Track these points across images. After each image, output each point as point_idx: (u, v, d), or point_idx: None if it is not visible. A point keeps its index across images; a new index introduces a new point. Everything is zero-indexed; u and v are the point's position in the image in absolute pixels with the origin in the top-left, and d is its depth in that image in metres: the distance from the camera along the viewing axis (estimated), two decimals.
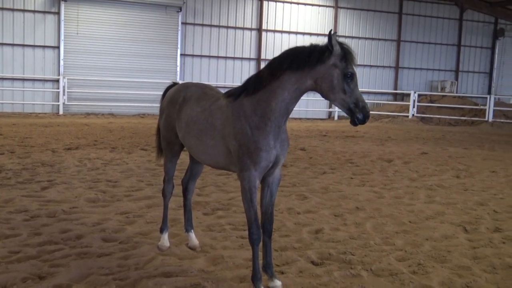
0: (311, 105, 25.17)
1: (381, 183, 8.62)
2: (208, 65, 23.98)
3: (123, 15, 22.01)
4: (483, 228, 6.05)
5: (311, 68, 3.71)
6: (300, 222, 6.02)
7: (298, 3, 25.48)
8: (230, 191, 7.50)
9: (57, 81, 21.16)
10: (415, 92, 24.38)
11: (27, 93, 21.03)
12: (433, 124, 23.88)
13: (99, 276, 4.18)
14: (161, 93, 5.23)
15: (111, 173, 8.56)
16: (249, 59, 24.77)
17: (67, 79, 21.03)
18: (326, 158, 11.27)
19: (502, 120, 23.26)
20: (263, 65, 22.72)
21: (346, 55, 3.67)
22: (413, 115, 24.22)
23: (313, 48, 3.74)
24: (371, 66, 27.34)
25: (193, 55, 23.66)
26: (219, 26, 24.12)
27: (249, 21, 24.68)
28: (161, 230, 5.04)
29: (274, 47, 24.66)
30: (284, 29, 25.30)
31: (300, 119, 24.44)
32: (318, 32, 25.42)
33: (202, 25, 23.78)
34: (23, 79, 21.07)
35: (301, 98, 3.93)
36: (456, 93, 27.85)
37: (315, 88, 3.79)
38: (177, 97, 4.66)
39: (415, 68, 28.65)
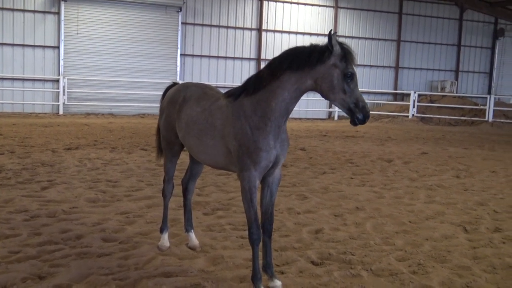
0: (311, 105, 25.17)
1: (381, 183, 8.62)
2: (208, 65, 23.99)
3: (123, 15, 22.01)
4: (483, 228, 6.05)
5: (311, 68, 3.71)
6: (300, 222, 6.02)
7: (298, 3, 25.48)
8: (230, 191, 7.50)
9: (57, 81, 21.16)
10: (415, 92, 24.38)
11: (27, 93, 21.04)
12: (433, 124, 23.88)
13: (99, 276, 4.18)
14: (161, 93, 5.23)
15: (111, 173, 8.56)
16: (249, 59, 24.77)
17: (67, 79, 21.04)
18: (326, 158, 11.27)
19: (502, 120, 23.26)
20: (263, 65, 22.72)
21: (346, 55, 3.67)
22: (413, 115, 24.23)
23: (313, 48, 3.74)
24: (371, 66, 27.35)
25: (193, 55, 23.66)
26: (219, 26, 24.12)
27: (249, 21, 24.68)
28: (161, 230, 5.04)
29: (274, 47, 24.67)
30: (284, 29, 25.30)
31: (300, 119, 24.44)
32: (318, 32, 25.43)
33: (202, 25, 23.78)
34: (23, 79, 21.07)
35: (301, 98, 3.94)
36: (456, 93, 27.85)
37: (315, 88, 3.79)
38: (177, 97, 4.66)
39: (415, 68, 28.66)
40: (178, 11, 22.88)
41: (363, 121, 3.70)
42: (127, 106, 22.09)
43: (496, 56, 30.55)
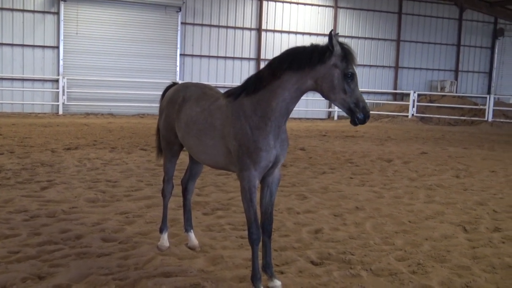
0: (311, 105, 25.17)
1: (381, 183, 8.62)
2: (207, 65, 23.98)
3: (123, 15, 22.01)
4: (482, 228, 6.05)
5: (311, 68, 3.71)
6: (299, 222, 6.02)
7: (297, 3, 25.48)
8: (230, 191, 7.50)
9: (57, 81, 21.16)
10: (414, 92, 24.39)
11: (26, 93, 21.03)
12: (432, 124, 23.89)
13: (99, 276, 4.18)
14: (161, 93, 5.23)
15: (110, 173, 8.56)
16: (249, 59, 24.77)
17: (67, 79, 21.03)
18: (326, 158, 11.27)
19: (501, 120, 23.27)
20: (262, 65, 22.77)
21: (347, 55, 3.67)
22: (412, 115, 24.23)
23: (313, 48, 3.74)
24: (370, 66, 27.35)
25: (192, 55, 23.65)
26: (218, 26, 24.12)
27: (249, 21, 24.68)
28: (161, 230, 5.04)
29: (273, 47, 24.67)
30: (283, 29, 25.30)
31: (300, 119, 24.44)
32: (318, 32, 25.44)
33: (202, 25, 23.77)
34: (23, 79, 21.06)
35: (301, 98, 3.94)
36: (456, 93, 27.86)
37: (316, 88, 3.79)
38: (177, 97, 4.66)
39: (415, 68, 28.67)
40: (177, 11, 22.87)
41: (363, 121, 3.71)
42: (127, 106, 22.09)
43: (495, 56, 30.57)
